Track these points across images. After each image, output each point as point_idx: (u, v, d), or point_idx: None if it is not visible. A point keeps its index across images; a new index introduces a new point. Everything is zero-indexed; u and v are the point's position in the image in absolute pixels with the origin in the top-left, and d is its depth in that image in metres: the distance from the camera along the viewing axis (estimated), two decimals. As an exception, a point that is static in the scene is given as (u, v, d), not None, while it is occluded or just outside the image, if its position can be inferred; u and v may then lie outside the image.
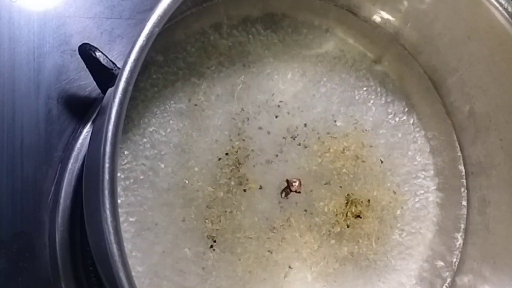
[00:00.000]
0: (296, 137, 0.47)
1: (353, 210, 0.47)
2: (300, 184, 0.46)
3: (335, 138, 0.48)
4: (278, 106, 0.47)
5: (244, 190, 0.45)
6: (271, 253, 0.45)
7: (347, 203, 0.47)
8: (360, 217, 0.47)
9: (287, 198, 0.46)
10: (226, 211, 0.44)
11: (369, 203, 0.48)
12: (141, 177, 0.43)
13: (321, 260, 0.47)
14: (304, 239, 0.46)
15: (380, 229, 0.48)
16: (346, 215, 0.47)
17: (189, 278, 0.43)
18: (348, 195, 0.48)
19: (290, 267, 0.46)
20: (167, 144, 0.44)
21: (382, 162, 0.49)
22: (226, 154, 0.45)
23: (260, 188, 0.46)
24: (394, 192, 0.49)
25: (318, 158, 0.48)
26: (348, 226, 0.47)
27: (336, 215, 0.47)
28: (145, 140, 0.44)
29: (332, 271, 0.47)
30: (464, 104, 0.50)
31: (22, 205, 0.45)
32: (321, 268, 0.47)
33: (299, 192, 0.46)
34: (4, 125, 0.45)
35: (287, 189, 0.46)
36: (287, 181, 0.46)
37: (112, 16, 0.50)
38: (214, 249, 0.44)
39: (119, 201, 0.41)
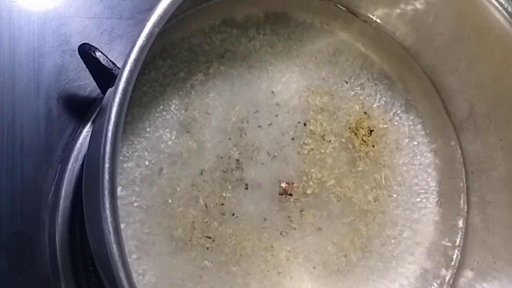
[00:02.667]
0: (295, 136, 0.47)
1: (363, 138, 0.48)
2: (290, 184, 0.46)
3: (335, 137, 0.48)
4: (278, 104, 0.47)
5: (245, 189, 0.45)
6: (272, 252, 0.45)
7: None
8: (372, 132, 0.48)
9: (287, 199, 0.46)
10: (225, 211, 0.44)
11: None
12: (139, 177, 0.43)
13: (324, 260, 0.47)
14: (307, 238, 0.46)
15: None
16: (363, 141, 0.47)
17: (187, 279, 0.43)
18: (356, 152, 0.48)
19: (291, 266, 0.46)
20: (165, 143, 0.44)
21: (383, 163, 0.49)
22: (226, 153, 0.45)
23: (259, 187, 0.46)
24: (395, 195, 0.49)
25: (318, 157, 0.47)
26: (374, 146, 0.48)
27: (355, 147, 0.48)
28: (142, 140, 0.44)
29: (334, 273, 0.47)
30: (464, 104, 0.50)
31: (22, 205, 0.45)
32: (323, 269, 0.47)
33: (295, 187, 0.46)
34: (4, 125, 0.45)
35: (286, 194, 0.46)
36: (280, 187, 0.46)
37: (112, 16, 0.50)
38: (212, 250, 0.44)
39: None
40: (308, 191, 0.47)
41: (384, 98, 0.51)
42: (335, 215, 0.47)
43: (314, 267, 0.46)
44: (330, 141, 0.48)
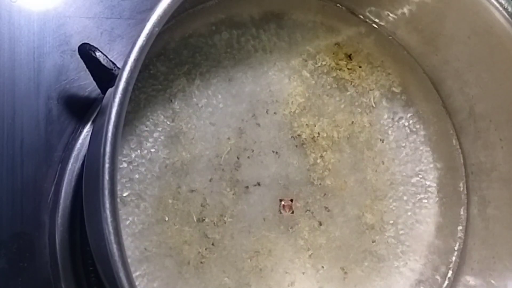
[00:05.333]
0: (295, 136, 0.47)
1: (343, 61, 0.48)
2: (290, 203, 0.46)
3: (335, 137, 0.48)
4: (277, 102, 0.47)
5: (243, 190, 0.45)
6: (276, 253, 0.45)
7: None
8: (351, 56, 0.48)
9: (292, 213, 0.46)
10: (224, 213, 0.44)
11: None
12: (137, 176, 0.43)
13: (326, 260, 0.47)
14: (309, 237, 0.46)
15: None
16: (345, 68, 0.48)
17: (186, 282, 0.43)
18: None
19: (294, 267, 0.46)
20: (164, 142, 0.44)
21: (383, 163, 0.49)
22: (225, 152, 0.45)
23: (259, 187, 0.46)
24: (391, 183, 0.49)
25: (317, 156, 0.48)
26: (360, 66, 0.48)
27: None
28: (143, 138, 0.44)
29: (335, 273, 0.47)
30: (464, 104, 0.50)
31: (22, 205, 0.45)
32: (326, 270, 0.47)
33: (292, 203, 0.46)
34: (4, 125, 0.45)
35: (286, 209, 0.46)
36: (281, 205, 0.46)
37: (112, 16, 0.50)
38: (212, 252, 0.44)
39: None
40: (309, 189, 0.47)
41: (384, 98, 0.51)
42: (335, 214, 0.47)
43: (316, 267, 0.46)
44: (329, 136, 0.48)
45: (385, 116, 0.50)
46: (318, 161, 0.48)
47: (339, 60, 0.49)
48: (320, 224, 0.47)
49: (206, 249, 0.43)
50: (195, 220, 0.43)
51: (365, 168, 0.49)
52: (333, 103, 0.49)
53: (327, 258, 0.47)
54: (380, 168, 0.49)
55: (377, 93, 0.49)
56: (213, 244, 0.44)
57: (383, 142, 0.50)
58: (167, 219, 0.43)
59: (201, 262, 0.43)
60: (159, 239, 0.42)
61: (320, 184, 0.47)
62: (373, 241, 0.48)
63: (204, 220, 0.44)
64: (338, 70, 0.48)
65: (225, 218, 0.44)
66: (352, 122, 0.49)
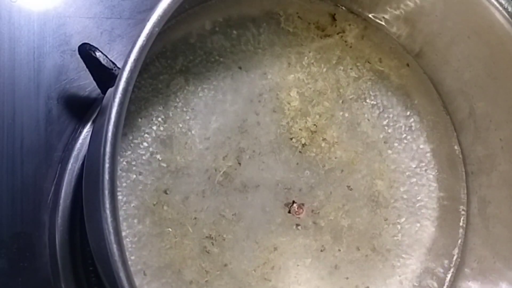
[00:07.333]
0: (294, 137, 0.47)
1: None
2: (300, 206, 0.46)
3: (327, 106, 0.48)
4: (278, 99, 0.47)
5: (241, 191, 0.45)
6: (273, 256, 0.45)
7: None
8: (334, 14, 0.49)
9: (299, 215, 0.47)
10: (223, 214, 0.44)
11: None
12: (134, 177, 0.43)
13: (328, 260, 0.47)
14: (310, 237, 0.46)
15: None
16: None
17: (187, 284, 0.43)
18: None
19: (296, 267, 0.46)
20: (163, 142, 0.44)
21: (378, 116, 0.50)
22: (225, 152, 0.45)
23: (258, 187, 0.46)
24: (392, 185, 0.49)
25: (320, 143, 0.48)
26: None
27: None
28: (146, 134, 0.44)
29: (336, 273, 0.47)
30: (464, 104, 0.50)
31: (22, 205, 0.45)
32: (326, 269, 0.47)
33: (302, 207, 0.46)
34: (4, 125, 0.45)
35: (295, 212, 0.46)
36: (290, 210, 0.46)
37: (112, 16, 0.50)
38: (211, 253, 0.44)
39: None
40: (308, 189, 0.47)
41: (383, 98, 0.51)
42: (355, 194, 0.48)
43: (318, 267, 0.46)
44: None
45: (385, 116, 0.50)
46: (323, 145, 0.48)
47: (338, 50, 0.49)
48: (344, 207, 0.47)
49: (208, 263, 0.43)
50: (191, 231, 0.43)
51: (359, 121, 0.49)
52: (317, 72, 0.49)
53: (346, 242, 0.47)
54: (373, 118, 0.49)
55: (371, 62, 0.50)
56: (213, 243, 0.44)
57: (383, 142, 0.50)
58: (169, 230, 0.43)
59: (206, 281, 0.43)
60: (158, 249, 0.43)
61: (335, 158, 0.48)
62: (385, 219, 0.48)
63: (203, 230, 0.44)
64: (327, 38, 0.49)
65: (225, 236, 0.44)
66: (337, 81, 0.49)
